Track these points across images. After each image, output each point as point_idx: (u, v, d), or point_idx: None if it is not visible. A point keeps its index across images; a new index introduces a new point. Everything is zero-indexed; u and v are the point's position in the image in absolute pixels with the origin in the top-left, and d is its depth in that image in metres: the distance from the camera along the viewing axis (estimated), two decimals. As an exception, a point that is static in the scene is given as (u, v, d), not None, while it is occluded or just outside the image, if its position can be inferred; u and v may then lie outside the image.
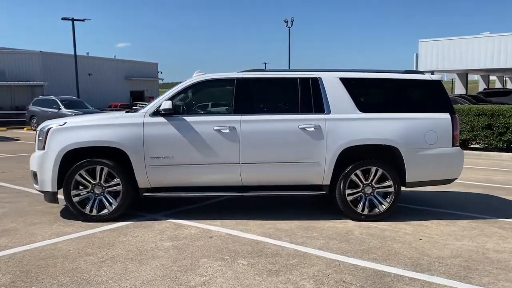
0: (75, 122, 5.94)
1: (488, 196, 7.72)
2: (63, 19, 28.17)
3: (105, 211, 5.81)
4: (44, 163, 5.75)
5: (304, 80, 6.05)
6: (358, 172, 5.94)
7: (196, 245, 4.91)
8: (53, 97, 24.94)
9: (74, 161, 5.77)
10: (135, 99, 47.62)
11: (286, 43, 39.16)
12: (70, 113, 21.29)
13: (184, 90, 6.02)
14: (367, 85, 6.26)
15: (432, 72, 13.83)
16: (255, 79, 6.08)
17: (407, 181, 6.04)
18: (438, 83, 6.23)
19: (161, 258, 4.50)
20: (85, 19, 29.08)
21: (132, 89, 49.12)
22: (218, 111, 6.27)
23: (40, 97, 26.00)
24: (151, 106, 5.90)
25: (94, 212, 5.79)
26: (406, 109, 6.10)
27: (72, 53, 31.84)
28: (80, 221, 5.77)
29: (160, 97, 6.00)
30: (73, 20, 28.04)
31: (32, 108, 24.97)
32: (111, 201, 5.82)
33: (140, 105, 44.09)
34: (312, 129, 5.85)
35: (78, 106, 24.17)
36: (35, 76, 36.05)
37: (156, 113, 5.82)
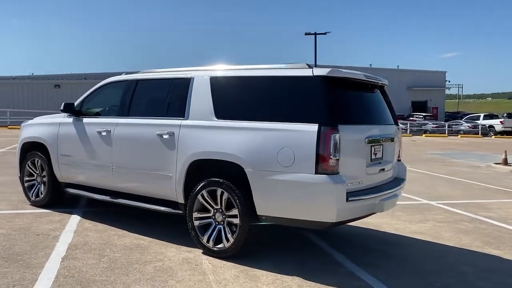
0: (33, 120, 7.02)
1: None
2: (306, 34, 30.36)
3: (38, 198, 6.66)
4: (17, 152, 7.06)
5: (178, 81, 5.33)
6: (205, 193, 4.80)
7: (13, 238, 5.17)
8: None
9: (33, 153, 6.85)
10: (416, 109, 45.81)
11: None
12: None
13: (93, 93, 6.23)
14: (234, 85, 4.93)
15: None
16: (138, 80, 5.75)
17: (258, 213, 4.49)
18: (316, 80, 4.32)
19: (-43, 240, 5.04)
20: (326, 33, 30.42)
21: (414, 99, 47.41)
22: (108, 113, 6.12)
23: None
24: (69, 107, 6.36)
25: (33, 198, 6.72)
26: (270, 117, 4.52)
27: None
28: (28, 204, 6.80)
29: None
30: (315, 34, 29.86)
31: None
32: (42, 190, 6.63)
33: (417, 115, 42.25)
34: (167, 136, 5.10)
35: None
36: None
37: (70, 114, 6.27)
